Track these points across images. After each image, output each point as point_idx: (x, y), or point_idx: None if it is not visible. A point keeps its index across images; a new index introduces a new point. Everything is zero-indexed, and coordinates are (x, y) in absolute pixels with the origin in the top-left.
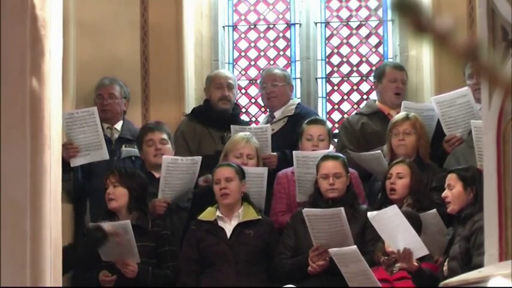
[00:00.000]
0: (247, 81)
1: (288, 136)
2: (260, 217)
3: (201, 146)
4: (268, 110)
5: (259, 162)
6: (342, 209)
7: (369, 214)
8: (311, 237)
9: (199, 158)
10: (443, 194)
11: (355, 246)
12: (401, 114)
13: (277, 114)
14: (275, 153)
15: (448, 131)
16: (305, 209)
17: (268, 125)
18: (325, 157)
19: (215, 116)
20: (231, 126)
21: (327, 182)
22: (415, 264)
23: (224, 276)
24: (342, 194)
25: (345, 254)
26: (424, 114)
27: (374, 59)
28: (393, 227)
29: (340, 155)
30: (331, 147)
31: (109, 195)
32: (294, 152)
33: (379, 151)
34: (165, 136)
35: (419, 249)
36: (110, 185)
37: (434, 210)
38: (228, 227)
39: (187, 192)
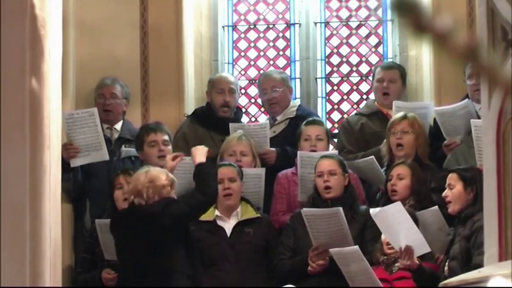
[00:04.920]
0: (247, 81)
1: (290, 138)
2: (259, 215)
3: None
4: (269, 113)
5: (254, 159)
6: (340, 208)
7: (372, 211)
8: (310, 237)
9: None
10: (444, 194)
11: (357, 246)
12: (400, 113)
13: (279, 116)
14: (273, 149)
15: (448, 137)
16: (304, 209)
17: (267, 121)
18: (322, 156)
19: (216, 120)
20: (230, 124)
21: (322, 179)
22: (416, 262)
23: (226, 275)
24: (339, 194)
25: (347, 253)
26: (417, 112)
27: (374, 59)
28: (396, 224)
29: (338, 155)
30: (331, 147)
31: (126, 194)
32: (298, 152)
33: (372, 157)
34: (166, 137)
35: (422, 246)
36: (125, 184)
37: (436, 207)
38: (228, 226)
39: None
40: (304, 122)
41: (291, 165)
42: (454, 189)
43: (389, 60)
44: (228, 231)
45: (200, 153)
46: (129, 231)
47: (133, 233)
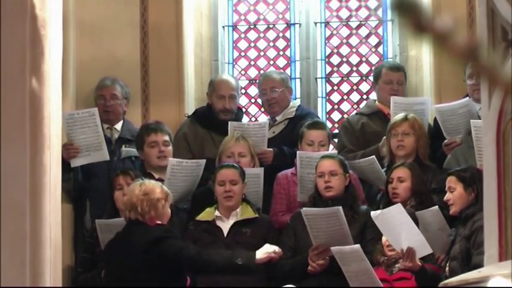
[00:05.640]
0: (247, 81)
1: (289, 138)
2: (257, 215)
3: (203, 148)
4: (268, 114)
5: (253, 159)
6: (340, 207)
7: (373, 214)
8: (310, 236)
9: (203, 161)
10: (445, 198)
11: (358, 245)
12: (400, 115)
13: (278, 117)
14: (270, 149)
15: (448, 136)
16: (303, 208)
17: (266, 120)
18: (323, 157)
19: (217, 121)
20: (229, 122)
21: (323, 180)
22: (418, 263)
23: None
24: (340, 193)
25: (348, 253)
26: (414, 108)
27: (374, 59)
28: (397, 225)
29: (338, 155)
30: (331, 147)
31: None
32: (298, 152)
33: (373, 156)
34: (167, 138)
35: (423, 248)
36: (124, 185)
37: (436, 207)
38: (226, 226)
39: (188, 194)
40: (307, 124)
41: (288, 165)
42: (454, 192)
43: (390, 60)
44: (225, 231)
45: (264, 251)
46: (119, 249)
47: (121, 252)
